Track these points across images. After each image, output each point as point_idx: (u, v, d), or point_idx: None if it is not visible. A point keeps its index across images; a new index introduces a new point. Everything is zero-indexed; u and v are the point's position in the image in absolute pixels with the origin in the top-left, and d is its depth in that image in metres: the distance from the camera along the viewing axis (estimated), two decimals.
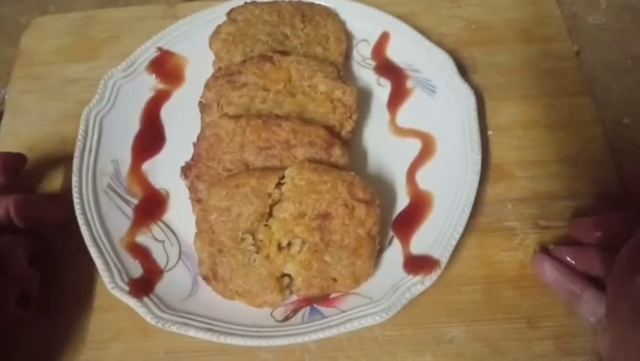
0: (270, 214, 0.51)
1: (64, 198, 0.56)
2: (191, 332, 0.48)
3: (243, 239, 0.50)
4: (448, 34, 0.67)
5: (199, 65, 0.64)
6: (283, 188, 0.51)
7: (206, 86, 0.59)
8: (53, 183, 0.59)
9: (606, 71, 0.66)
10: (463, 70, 0.62)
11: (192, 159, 0.55)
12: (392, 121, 0.61)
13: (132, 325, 0.51)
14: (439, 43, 0.63)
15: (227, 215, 0.50)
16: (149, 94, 0.64)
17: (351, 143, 0.58)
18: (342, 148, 0.54)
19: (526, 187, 0.57)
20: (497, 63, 0.65)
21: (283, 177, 0.51)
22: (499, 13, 0.68)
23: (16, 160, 0.55)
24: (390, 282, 0.50)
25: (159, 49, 0.65)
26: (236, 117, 0.55)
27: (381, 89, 0.63)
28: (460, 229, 0.51)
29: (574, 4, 0.72)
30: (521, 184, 0.57)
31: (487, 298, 0.51)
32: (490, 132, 0.60)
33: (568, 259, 0.50)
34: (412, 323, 0.51)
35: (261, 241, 0.50)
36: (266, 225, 0.50)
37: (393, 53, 0.64)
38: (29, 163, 0.57)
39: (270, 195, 0.51)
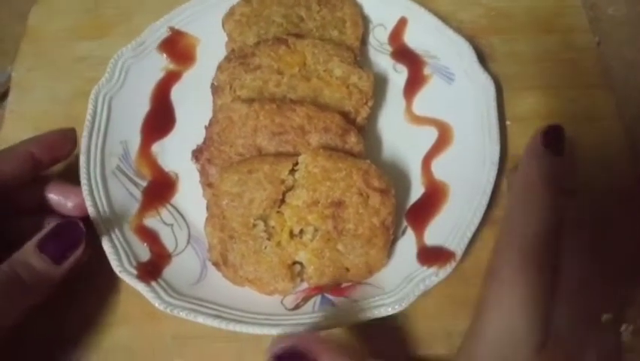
0: (283, 201, 0.50)
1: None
2: (200, 319, 0.47)
3: (254, 225, 0.49)
4: (466, 21, 0.65)
5: (211, 47, 0.62)
6: (297, 175, 0.50)
7: (219, 68, 0.57)
8: (60, 163, 0.58)
9: (625, 65, 0.65)
10: (481, 58, 0.60)
11: (204, 143, 0.54)
12: (408, 108, 0.60)
13: (139, 309, 0.50)
14: (458, 30, 0.61)
15: (239, 201, 0.49)
16: (159, 74, 0.62)
17: (366, 129, 0.57)
18: (358, 135, 0.53)
19: None
20: (516, 52, 0.63)
21: (297, 164, 0.50)
22: (519, 0, 0.67)
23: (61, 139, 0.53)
24: (403, 273, 0.49)
25: (170, 28, 0.64)
26: (250, 101, 0.53)
27: (397, 75, 0.62)
28: (477, 221, 0.50)
29: None
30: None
31: None
32: (508, 122, 0.59)
33: None
34: (424, 315, 0.50)
35: (273, 227, 0.49)
36: (278, 211, 0.49)
37: (410, 38, 0.63)
38: None
39: (283, 181, 0.49)
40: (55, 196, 0.52)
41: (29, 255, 0.44)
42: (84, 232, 0.46)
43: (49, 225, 0.46)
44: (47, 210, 0.52)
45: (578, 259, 0.42)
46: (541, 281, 0.38)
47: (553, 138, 0.44)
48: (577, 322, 0.40)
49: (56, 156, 0.53)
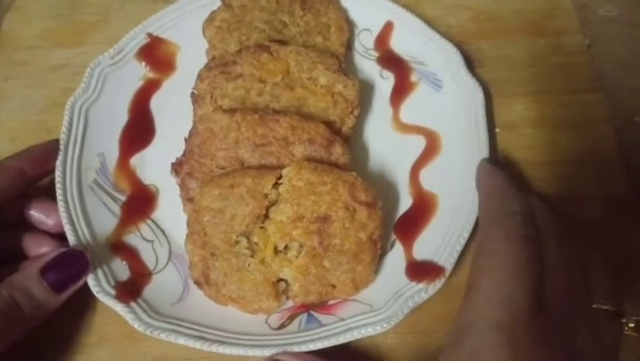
0: (266, 216, 0.48)
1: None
2: (182, 340, 0.45)
3: (237, 242, 0.47)
4: (454, 26, 0.63)
5: (191, 53, 0.61)
6: (280, 188, 0.48)
7: (199, 76, 0.55)
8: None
9: (617, 66, 0.63)
10: (469, 63, 0.59)
11: (184, 155, 0.52)
12: (395, 116, 0.58)
13: (118, 329, 0.49)
14: (446, 35, 0.60)
15: (221, 217, 0.48)
16: (138, 83, 0.60)
17: (352, 139, 0.55)
18: (343, 146, 0.51)
19: (535, 189, 0.54)
20: (506, 57, 0.62)
21: (280, 177, 0.48)
22: (508, 3, 0.65)
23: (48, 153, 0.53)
24: (391, 289, 0.48)
25: (149, 35, 0.62)
26: (231, 111, 0.51)
27: (384, 82, 0.60)
28: (466, 235, 0.49)
29: None
30: (529, 186, 0.54)
31: None
32: (497, 130, 0.57)
33: None
34: (414, 332, 0.48)
35: (256, 244, 0.48)
36: (261, 227, 0.48)
37: (397, 43, 0.61)
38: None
39: (266, 195, 0.48)
40: (36, 213, 0.51)
41: (30, 280, 0.43)
42: (89, 263, 0.46)
43: (55, 251, 0.45)
44: (28, 224, 0.51)
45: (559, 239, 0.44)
46: (530, 251, 0.40)
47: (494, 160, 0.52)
48: (569, 293, 0.41)
49: (45, 170, 0.52)
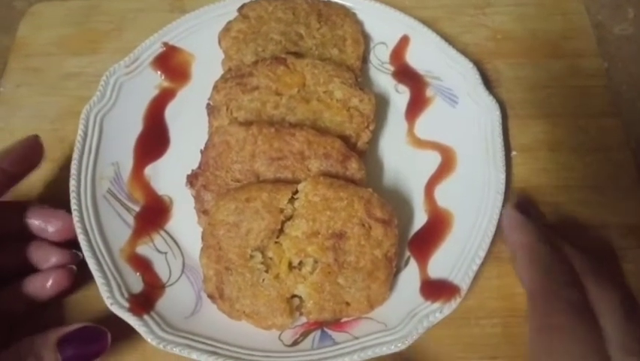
0: (282, 231, 0.48)
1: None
2: (195, 355, 0.45)
3: (251, 257, 0.47)
4: (471, 44, 0.63)
5: (206, 63, 0.60)
6: (296, 203, 0.48)
7: (215, 87, 0.55)
8: (49, 187, 0.56)
9: (632, 86, 0.63)
10: (486, 83, 0.58)
11: (199, 167, 0.52)
12: (410, 131, 0.58)
13: (128, 344, 0.48)
14: (463, 53, 0.59)
15: (236, 231, 0.47)
16: (153, 92, 0.60)
17: (367, 154, 0.55)
18: (359, 161, 0.51)
19: (550, 215, 0.54)
20: (522, 77, 0.61)
21: (296, 192, 0.48)
22: (525, 23, 0.65)
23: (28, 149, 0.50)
24: (406, 308, 0.47)
25: (165, 44, 0.62)
26: (247, 124, 0.51)
27: (399, 96, 0.60)
28: (482, 254, 0.48)
29: (599, 12, 0.69)
30: (544, 211, 0.54)
31: (506, 333, 0.48)
32: (513, 153, 0.57)
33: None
34: (424, 356, 0.48)
35: (271, 259, 0.47)
36: (276, 242, 0.47)
37: (413, 58, 0.61)
38: None
39: (282, 210, 0.48)
40: (36, 221, 0.49)
41: (46, 349, 0.41)
42: (109, 345, 0.43)
43: (77, 324, 0.43)
44: (29, 235, 0.50)
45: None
46: (592, 322, 0.41)
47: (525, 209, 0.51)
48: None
49: (28, 168, 0.50)
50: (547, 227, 0.49)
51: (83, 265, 0.49)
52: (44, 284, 0.48)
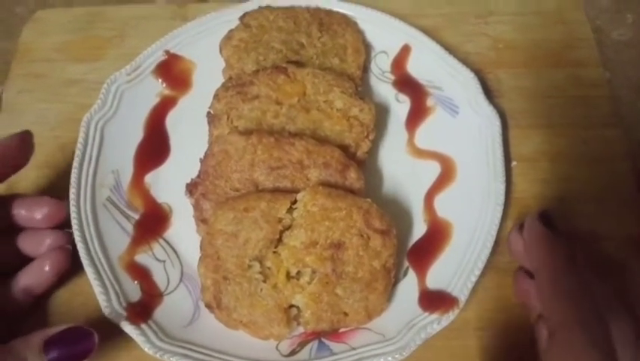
0: (280, 241, 0.48)
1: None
2: None
3: (249, 266, 0.47)
4: (473, 53, 0.63)
5: (207, 72, 0.61)
6: (295, 213, 0.48)
7: (216, 96, 0.55)
8: (49, 193, 0.55)
9: (631, 90, 0.63)
10: (487, 93, 0.58)
11: (198, 176, 0.52)
12: (410, 141, 0.58)
13: (126, 354, 0.48)
14: (464, 63, 0.59)
15: (234, 240, 0.47)
16: (154, 100, 0.60)
17: (367, 163, 0.55)
18: (358, 171, 0.51)
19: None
20: (524, 87, 0.61)
21: (295, 202, 0.48)
22: (527, 32, 0.64)
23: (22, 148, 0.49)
24: (404, 318, 0.47)
25: (166, 52, 0.62)
26: (247, 133, 0.51)
27: (399, 106, 0.60)
28: (481, 266, 0.48)
29: (598, 17, 0.69)
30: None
31: (504, 345, 0.48)
32: (514, 163, 0.56)
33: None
34: None
35: (269, 268, 0.47)
36: (275, 252, 0.47)
37: (414, 67, 0.61)
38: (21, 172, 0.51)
39: (280, 220, 0.48)
40: (22, 211, 0.49)
41: (30, 352, 0.40)
42: (96, 346, 0.42)
43: (62, 325, 0.42)
44: (18, 228, 0.49)
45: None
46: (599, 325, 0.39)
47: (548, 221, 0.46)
48: None
49: (16, 165, 0.49)
50: (574, 244, 0.44)
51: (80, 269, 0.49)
52: (42, 268, 0.47)
